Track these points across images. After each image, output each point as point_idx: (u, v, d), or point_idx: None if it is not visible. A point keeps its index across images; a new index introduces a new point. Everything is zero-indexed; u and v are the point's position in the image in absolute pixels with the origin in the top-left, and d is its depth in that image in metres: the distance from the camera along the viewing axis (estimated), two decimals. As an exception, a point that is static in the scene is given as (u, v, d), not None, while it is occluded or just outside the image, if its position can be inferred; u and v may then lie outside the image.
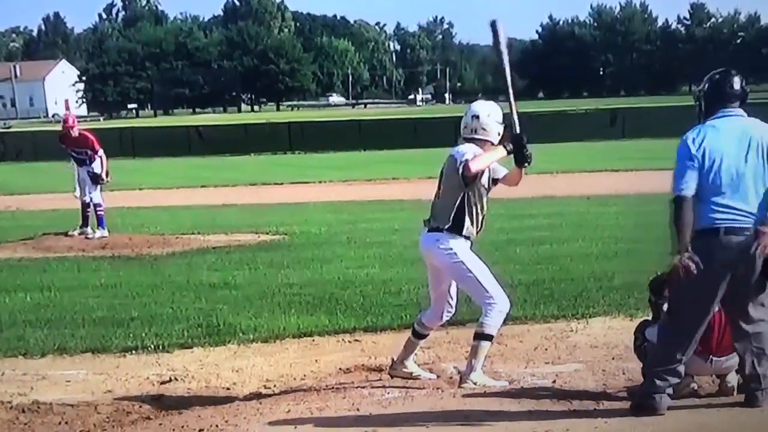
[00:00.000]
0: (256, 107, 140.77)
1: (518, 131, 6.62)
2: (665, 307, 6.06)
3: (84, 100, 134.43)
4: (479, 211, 6.73)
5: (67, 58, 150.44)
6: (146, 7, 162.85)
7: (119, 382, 7.71)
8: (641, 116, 51.55)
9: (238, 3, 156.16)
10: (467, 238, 6.74)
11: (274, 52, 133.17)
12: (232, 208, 21.91)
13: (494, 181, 6.85)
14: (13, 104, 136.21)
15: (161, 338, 8.91)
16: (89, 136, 16.72)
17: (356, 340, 8.73)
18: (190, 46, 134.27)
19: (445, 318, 7.12)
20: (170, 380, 7.69)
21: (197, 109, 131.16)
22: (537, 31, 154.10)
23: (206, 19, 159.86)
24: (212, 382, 7.65)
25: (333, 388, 7.03)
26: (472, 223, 6.71)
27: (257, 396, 7.04)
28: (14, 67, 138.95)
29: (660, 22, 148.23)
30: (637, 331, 6.42)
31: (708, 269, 5.61)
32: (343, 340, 8.79)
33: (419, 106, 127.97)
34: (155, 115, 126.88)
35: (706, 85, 5.91)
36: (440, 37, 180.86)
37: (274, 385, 7.44)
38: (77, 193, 16.75)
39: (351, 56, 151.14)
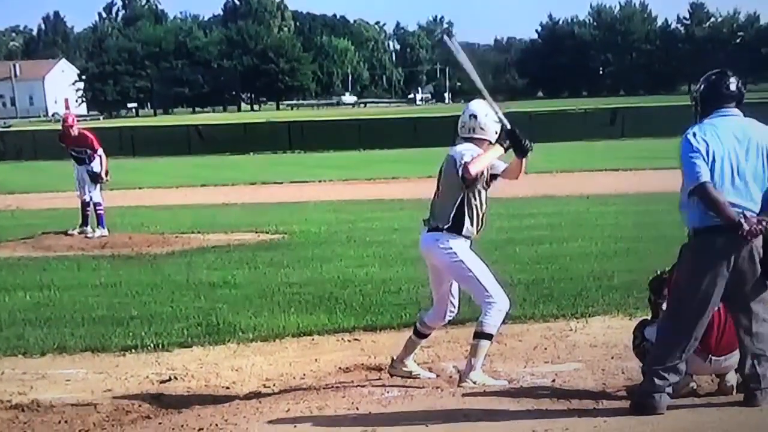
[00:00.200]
0: (255, 106, 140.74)
1: (509, 127, 6.63)
2: (665, 306, 6.07)
3: (84, 99, 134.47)
4: (479, 210, 6.72)
5: (67, 57, 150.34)
6: (146, 6, 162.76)
7: (119, 381, 7.70)
8: (641, 116, 51.71)
9: (237, 2, 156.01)
10: (467, 237, 6.74)
11: (273, 52, 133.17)
12: (231, 207, 21.93)
13: (494, 177, 6.81)
14: (13, 103, 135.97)
15: (161, 337, 8.90)
16: (89, 135, 16.74)
17: (356, 339, 8.72)
18: (190, 45, 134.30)
19: (448, 318, 7.13)
20: (170, 379, 7.68)
21: (197, 109, 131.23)
22: (537, 31, 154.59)
23: (206, 19, 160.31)
24: (212, 381, 7.64)
25: (332, 387, 7.03)
26: (471, 223, 6.71)
27: (257, 395, 7.03)
28: (14, 66, 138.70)
29: (659, 22, 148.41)
30: (637, 330, 6.41)
31: (708, 268, 5.61)
32: (342, 339, 8.78)
33: (419, 105, 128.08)
34: (155, 114, 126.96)
35: (703, 86, 5.92)
36: (440, 36, 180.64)
37: (274, 384, 7.42)
38: (78, 192, 16.77)
39: (351, 55, 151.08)
